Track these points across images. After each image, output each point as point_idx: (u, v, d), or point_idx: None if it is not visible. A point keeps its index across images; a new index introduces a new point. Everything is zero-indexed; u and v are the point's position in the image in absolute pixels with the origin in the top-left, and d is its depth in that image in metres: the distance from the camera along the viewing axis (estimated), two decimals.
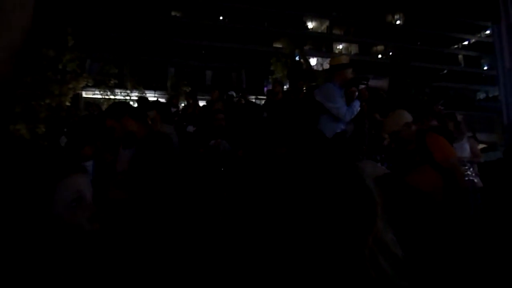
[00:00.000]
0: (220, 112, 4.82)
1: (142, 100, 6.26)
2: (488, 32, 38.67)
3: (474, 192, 4.31)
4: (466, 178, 4.35)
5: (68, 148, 5.79)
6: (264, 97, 10.44)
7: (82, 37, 20.88)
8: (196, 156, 4.50)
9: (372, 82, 3.94)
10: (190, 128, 5.69)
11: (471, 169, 4.43)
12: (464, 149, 4.48)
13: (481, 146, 9.42)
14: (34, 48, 17.14)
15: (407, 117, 3.05)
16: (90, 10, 27.01)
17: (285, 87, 23.60)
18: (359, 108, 3.67)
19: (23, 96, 17.25)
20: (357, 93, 3.77)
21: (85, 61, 23.08)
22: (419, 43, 38.68)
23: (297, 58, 24.99)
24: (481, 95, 41.15)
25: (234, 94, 7.01)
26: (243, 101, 7.08)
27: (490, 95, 39.49)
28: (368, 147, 4.35)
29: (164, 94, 24.66)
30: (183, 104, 13.01)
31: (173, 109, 6.85)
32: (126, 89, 23.93)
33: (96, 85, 22.31)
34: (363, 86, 3.96)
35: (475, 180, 4.47)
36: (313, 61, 33.08)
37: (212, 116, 4.76)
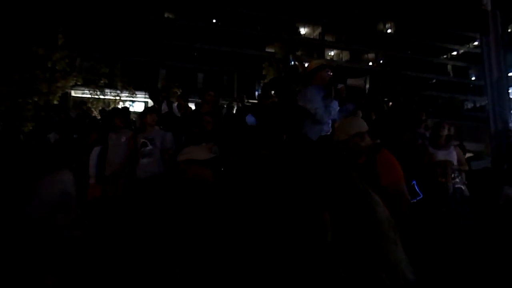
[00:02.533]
0: (207, 115, 4.81)
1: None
2: (476, 43, 39.40)
3: (462, 201, 4.35)
4: (455, 186, 4.40)
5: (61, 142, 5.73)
6: (255, 101, 10.40)
7: (73, 36, 20.66)
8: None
9: (350, 81, 3.89)
10: None
11: (459, 177, 4.47)
12: (452, 157, 4.53)
13: (468, 155, 9.57)
14: (23, 45, 16.89)
15: (361, 126, 2.69)
16: (82, 9, 26.74)
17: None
18: (337, 108, 3.65)
19: (10, 94, 16.96)
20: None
21: (75, 60, 22.85)
22: (409, 52, 39.21)
23: (291, 63, 25.08)
24: (469, 105, 41.85)
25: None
26: (240, 104, 7.05)
27: (478, 105, 40.20)
28: None
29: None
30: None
31: (164, 110, 6.77)
32: (116, 89, 23.71)
33: (86, 84, 22.08)
34: (341, 85, 3.93)
35: (463, 188, 4.51)
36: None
37: (201, 119, 4.74)
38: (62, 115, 6.63)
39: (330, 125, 3.57)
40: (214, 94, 5.95)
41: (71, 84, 19.10)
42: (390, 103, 5.66)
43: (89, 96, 22.52)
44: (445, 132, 4.57)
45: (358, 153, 2.64)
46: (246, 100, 8.00)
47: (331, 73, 3.72)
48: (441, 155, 4.48)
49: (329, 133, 3.52)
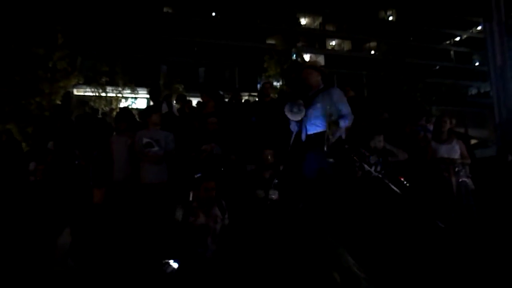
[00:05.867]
0: (212, 116, 4.76)
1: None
2: (479, 28, 38.87)
3: (466, 194, 4.33)
4: (460, 180, 4.37)
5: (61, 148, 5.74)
6: (256, 94, 10.34)
7: (73, 34, 20.61)
8: (189, 160, 4.45)
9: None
10: None
11: (463, 171, 4.44)
12: (455, 150, 4.50)
13: (472, 141, 9.47)
14: (23, 46, 16.91)
15: None
16: (80, 7, 26.62)
17: (278, 83, 23.62)
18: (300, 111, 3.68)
19: (13, 95, 17.03)
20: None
21: (76, 59, 22.86)
22: (411, 39, 38.75)
23: (294, 57, 24.90)
24: (473, 91, 41.45)
25: (221, 93, 6.88)
26: (234, 101, 7.00)
27: (482, 91, 39.82)
28: (363, 148, 4.33)
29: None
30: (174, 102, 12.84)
31: (164, 110, 6.74)
32: (118, 86, 23.69)
33: (87, 83, 22.11)
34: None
35: (467, 181, 4.48)
36: (306, 58, 33.03)
37: (205, 120, 4.69)
38: (58, 123, 6.58)
39: (308, 127, 3.56)
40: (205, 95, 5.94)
41: (72, 83, 19.12)
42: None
43: (92, 94, 22.59)
44: (447, 126, 4.54)
45: None
46: (241, 97, 7.87)
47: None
48: (444, 149, 4.44)
49: (315, 133, 3.52)
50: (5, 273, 2.84)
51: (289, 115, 3.55)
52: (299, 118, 3.52)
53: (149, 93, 7.13)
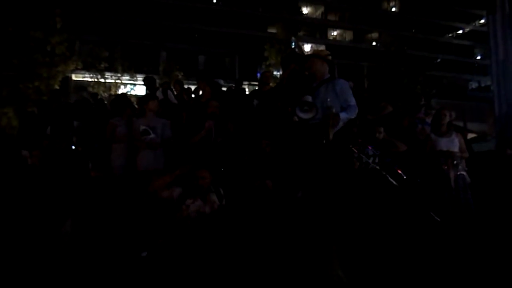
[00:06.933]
0: (213, 100, 4.71)
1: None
2: (482, 21, 38.60)
3: (464, 188, 4.32)
4: (458, 173, 4.36)
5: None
6: (257, 83, 10.29)
7: (72, 18, 20.36)
8: (189, 147, 4.41)
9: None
10: None
11: (461, 165, 4.44)
12: (455, 144, 4.50)
13: (471, 135, 9.44)
14: (21, 29, 16.69)
15: None
16: None
17: (278, 72, 23.45)
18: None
19: (10, 79, 16.88)
20: None
21: (74, 43, 22.61)
22: (413, 31, 38.46)
23: (293, 46, 24.70)
24: (473, 85, 41.34)
25: (222, 82, 6.85)
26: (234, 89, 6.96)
27: (482, 85, 39.71)
28: (362, 139, 4.31)
29: (156, 79, 24.20)
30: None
31: (159, 97, 6.69)
32: (117, 72, 23.52)
33: (86, 68, 21.92)
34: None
35: (464, 174, 4.48)
36: (307, 47, 32.80)
37: (206, 104, 4.63)
38: (54, 105, 6.54)
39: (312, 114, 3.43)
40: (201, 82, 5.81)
41: (71, 68, 18.92)
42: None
43: (90, 80, 22.45)
44: (447, 119, 4.53)
45: None
46: (248, 83, 7.90)
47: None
48: (443, 142, 4.44)
49: (314, 123, 3.43)
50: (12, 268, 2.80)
51: (301, 115, 3.36)
52: (312, 115, 3.38)
53: (143, 80, 7.04)
